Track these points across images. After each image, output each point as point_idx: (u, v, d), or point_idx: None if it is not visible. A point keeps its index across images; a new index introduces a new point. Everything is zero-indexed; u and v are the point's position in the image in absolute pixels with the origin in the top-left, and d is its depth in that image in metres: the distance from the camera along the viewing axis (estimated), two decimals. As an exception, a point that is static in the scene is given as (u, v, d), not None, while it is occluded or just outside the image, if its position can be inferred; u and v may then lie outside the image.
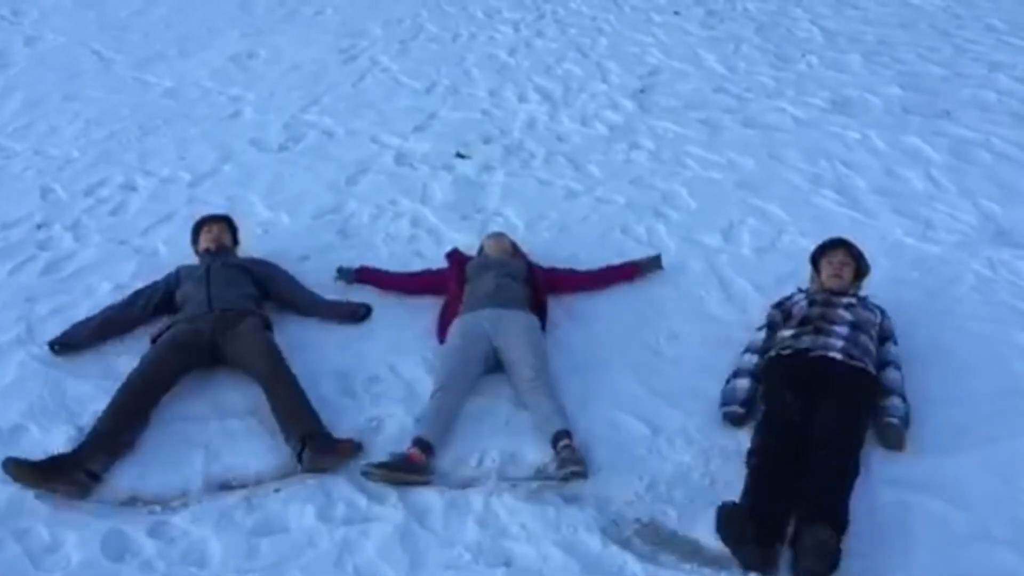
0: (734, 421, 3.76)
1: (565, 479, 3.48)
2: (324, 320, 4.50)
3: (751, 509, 3.20)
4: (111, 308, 4.42)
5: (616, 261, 4.83)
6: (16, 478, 3.41)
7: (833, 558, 3.03)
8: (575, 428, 3.77)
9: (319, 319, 4.51)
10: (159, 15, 9.27)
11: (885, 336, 4.02)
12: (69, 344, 4.23)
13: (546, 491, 3.48)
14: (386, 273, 4.79)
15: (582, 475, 3.49)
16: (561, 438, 3.61)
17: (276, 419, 3.75)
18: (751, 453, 3.49)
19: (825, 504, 3.20)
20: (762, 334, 4.11)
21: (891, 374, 3.85)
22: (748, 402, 3.80)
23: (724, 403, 3.83)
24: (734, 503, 3.20)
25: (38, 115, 6.96)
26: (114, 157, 6.28)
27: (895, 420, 3.65)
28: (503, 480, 3.56)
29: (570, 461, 3.50)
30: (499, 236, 4.84)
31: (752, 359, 3.98)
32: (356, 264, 4.86)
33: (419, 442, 3.61)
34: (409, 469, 3.52)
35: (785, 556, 3.15)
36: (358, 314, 4.49)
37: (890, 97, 6.91)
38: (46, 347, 4.23)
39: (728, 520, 3.13)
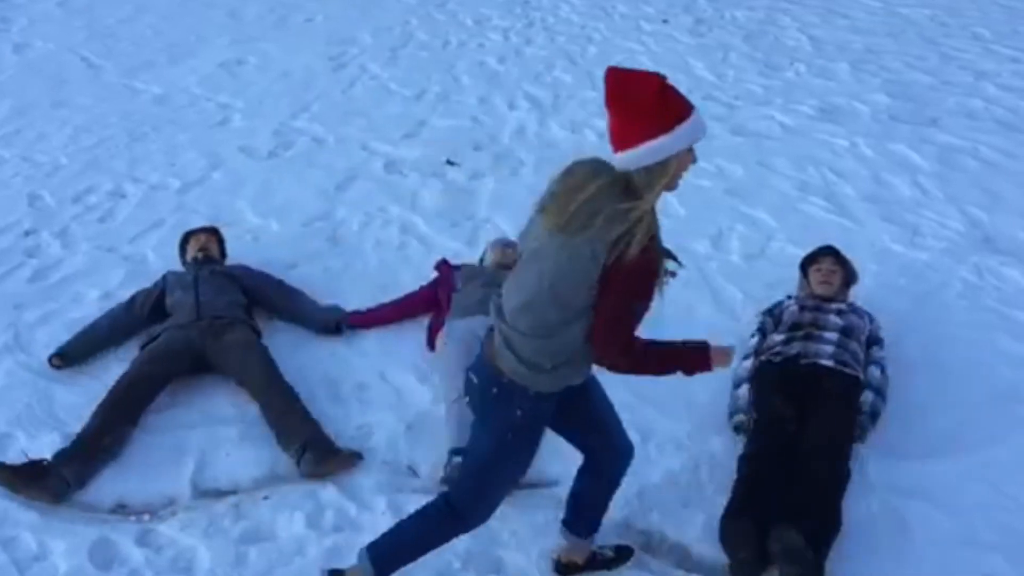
0: (744, 429, 3.73)
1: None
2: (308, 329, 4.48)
3: (738, 512, 3.21)
4: (103, 318, 4.37)
5: None
6: None
7: (803, 560, 3.00)
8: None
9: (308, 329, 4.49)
10: (148, 22, 9.26)
11: (872, 340, 4.05)
12: (65, 356, 4.18)
13: (536, 497, 3.47)
14: (380, 310, 4.56)
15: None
16: None
17: (273, 428, 3.73)
18: (743, 459, 3.50)
19: (806, 509, 3.20)
20: (755, 340, 4.12)
21: (871, 371, 3.87)
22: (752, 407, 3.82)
23: (731, 414, 3.84)
24: (737, 511, 3.20)
25: (26, 122, 6.94)
26: (103, 164, 6.26)
27: (860, 415, 3.69)
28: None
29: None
30: (507, 247, 4.73)
31: (748, 364, 4.00)
32: (345, 275, 4.84)
33: (459, 452, 3.50)
34: None
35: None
36: (338, 328, 4.43)
37: (878, 105, 6.95)
38: (34, 355, 4.22)
39: (732, 529, 3.14)
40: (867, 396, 3.76)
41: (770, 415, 3.64)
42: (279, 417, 3.74)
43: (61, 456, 3.52)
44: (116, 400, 3.76)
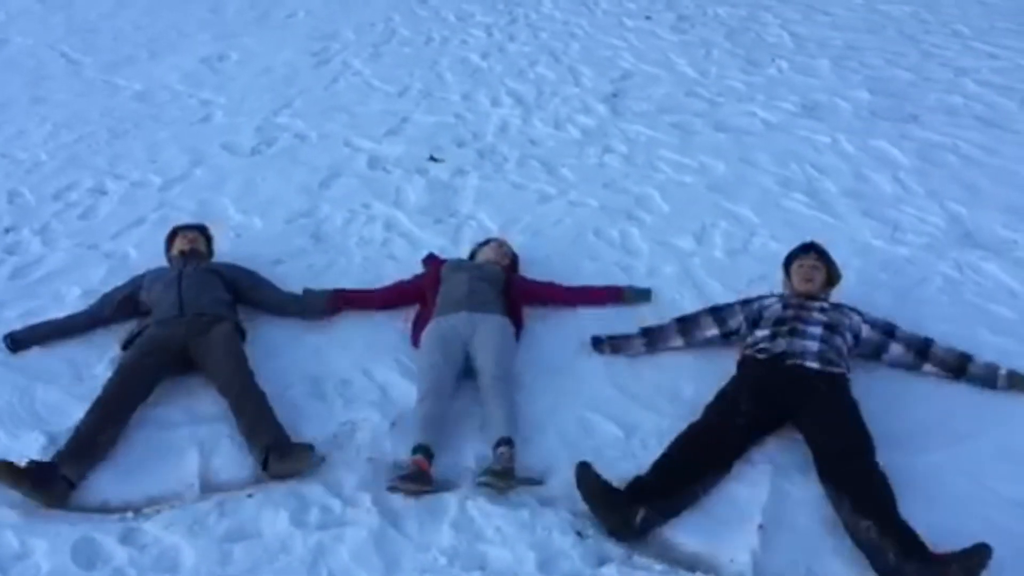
0: None
1: (478, 485, 3.46)
2: (297, 318, 4.48)
3: (652, 474, 3.40)
4: (77, 313, 4.38)
5: (597, 282, 4.76)
6: None
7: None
8: (548, 430, 3.80)
9: (293, 317, 4.49)
10: (128, 18, 9.20)
11: (880, 326, 4.10)
12: (17, 339, 4.20)
13: (521, 493, 3.48)
14: (366, 293, 4.61)
15: (496, 487, 3.44)
16: (500, 445, 3.59)
17: (241, 430, 3.72)
18: (682, 432, 3.60)
19: (880, 511, 3.20)
20: (727, 308, 4.26)
21: (895, 349, 4.06)
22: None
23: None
24: (585, 463, 3.38)
25: (5, 118, 6.88)
26: (83, 161, 6.22)
27: (1001, 371, 3.97)
28: (478, 485, 3.57)
29: (492, 472, 3.47)
30: (499, 244, 4.79)
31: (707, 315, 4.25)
32: (329, 271, 4.83)
33: (421, 449, 3.56)
34: (425, 480, 3.49)
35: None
36: (324, 310, 4.46)
37: (859, 101, 7.00)
38: (15, 353, 4.19)
39: (581, 480, 3.35)
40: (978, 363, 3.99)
41: (728, 404, 3.70)
42: (247, 422, 3.72)
43: (59, 457, 3.50)
44: (108, 400, 3.74)
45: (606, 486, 3.34)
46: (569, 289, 4.62)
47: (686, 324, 4.26)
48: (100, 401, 3.73)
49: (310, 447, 3.64)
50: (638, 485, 3.37)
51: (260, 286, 4.59)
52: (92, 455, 3.58)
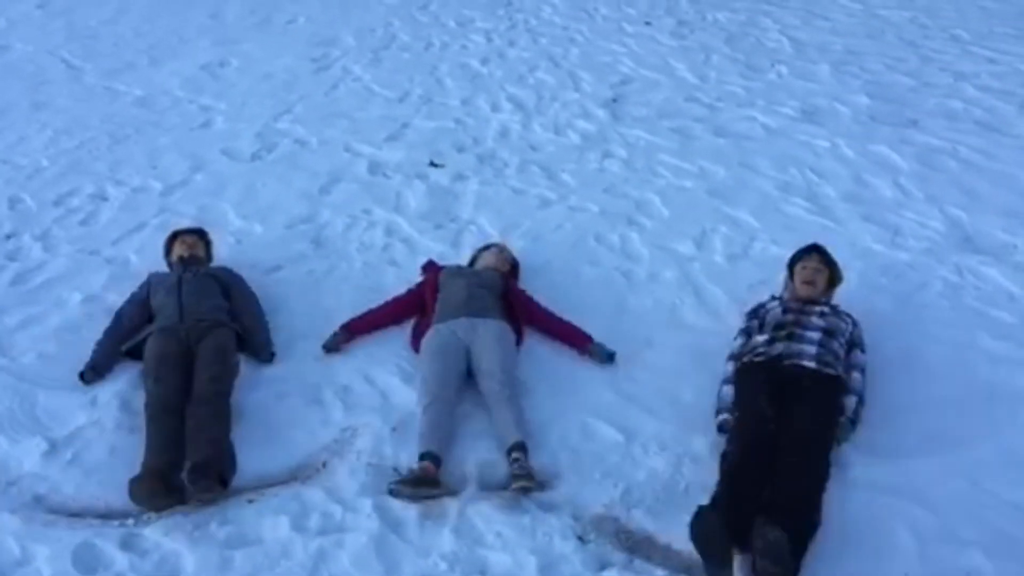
0: (729, 428, 3.73)
1: (517, 492, 3.46)
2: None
3: (721, 512, 3.22)
4: (112, 333, 4.29)
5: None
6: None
7: (784, 558, 3.01)
8: (549, 435, 3.80)
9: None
10: (129, 24, 9.21)
11: (854, 343, 4.08)
12: (97, 370, 4.13)
13: (521, 499, 3.48)
14: (371, 315, 4.51)
15: (531, 489, 3.46)
16: (514, 450, 3.60)
17: (187, 432, 3.68)
18: (724, 457, 3.52)
19: (787, 506, 3.22)
20: (739, 341, 4.14)
21: (853, 375, 3.92)
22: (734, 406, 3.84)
23: (716, 412, 3.85)
24: (709, 507, 3.19)
25: (6, 124, 6.89)
26: (84, 166, 6.23)
27: (842, 418, 3.73)
28: (480, 490, 3.57)
29: (519, 476, 3.48)
30: (499, 250, 4.79)
31: (732, 366, 4.02)
32: (330, 277, 4.83)
33: (429, 456, 3.57)
34: (431, 483, 3.49)
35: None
36: (261, 356, 4.29)
37: (858, 106, 7.00)
38: (15, 359, 4.20)
39: (702, 525, 3.12)
40: (850, 401, 3.80)
41: (751, 413, 3.66)
42: (196, 426, 3.68)
43: (199, 468, 3.47)
44: (164, 420, 3.73)
45: (724, 536, 3.13)
46: (548, 316, 4.45)
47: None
48: (155, 427, 3.70)
49: (224, 484, 3.52)
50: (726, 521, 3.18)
51: (241, 307, 4.47)
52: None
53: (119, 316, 4.36)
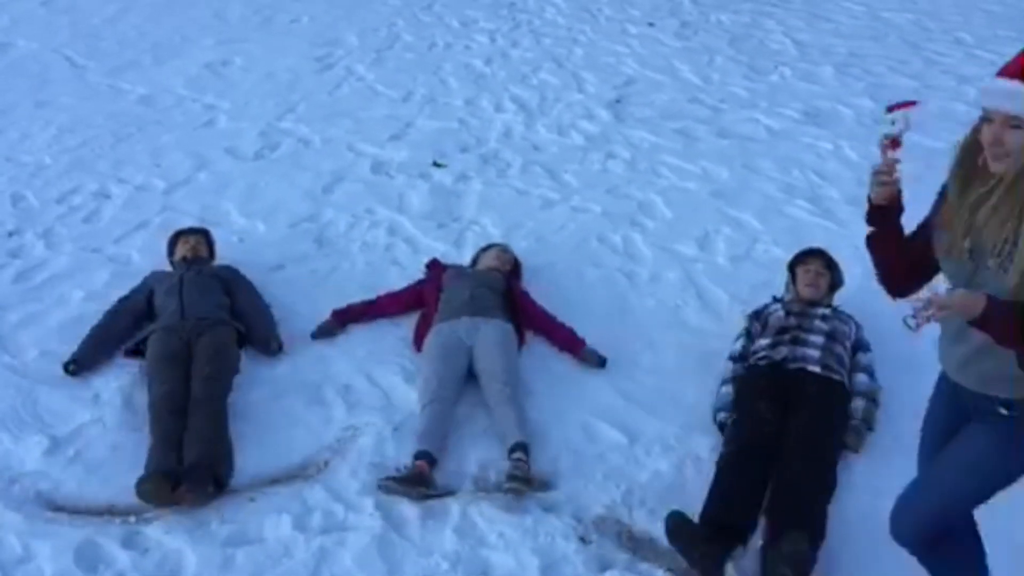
0: (726, 427, 3.75)
1: (506, 492, 3.45)
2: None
3: (711, 513, 3.26)
4: (103, 328, 4.29)
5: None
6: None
7: (806, 567, 3.05)
8: (551, 436, 3.80)
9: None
10: (132, 22, 9.21)
11: (858, 346, 4.08)
12: (80, 362, 4.12)
13: (523, 499, 3.48)
14: (364, 305, 4.56)
15: (524, 491, 3.44)
16: (515, 451, 3.59)
17: (185, 435, 3.67)
18: (720, 458, 3.53)
19: (802, 512, 3.23)
20: (740, 343, 4.14)
21: (859, 378, 3.91)
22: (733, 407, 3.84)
23: (715, 412, 3.86)
24: (678, 513, 3.21)
25: (9, 122, 6.89)
26: (87, 164, 6.22)
27: (854, 422, 3.73)
28: (480, 490, 3.57)
29: (514, 477, 3.46)
30: (501, 250, 4.80)
31: (732, 366, 4.02)
32: (332, 276, 4.84)
33: (424, 455, 3.57)
34: (424, 483, 3.49)
35: (749, 562, 3.17)
36: (269, 348, 4.30)
37: (861, 108, 7.00)
38: (18, 356, 4.19)
39: (676, 529, 3.17)
40: (858, 403, 3.79)
41: (749, 415, 3.66)
42: (192, 428, 3.69)
43: (196, 470, 3.48)
44: (166, 421, 3.72)
45: (700, 530, 3.21)
46: (546, 319, 4.45)
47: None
48: (159, 416, 3.72)
49: (219, 486, 3.51)
50: (713, 523, 3.24)
51: (242, 310, 4.44)
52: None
53: (110, 314, 4.35)
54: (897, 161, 2.33)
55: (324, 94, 7.46)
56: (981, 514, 3.34)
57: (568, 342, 4.34)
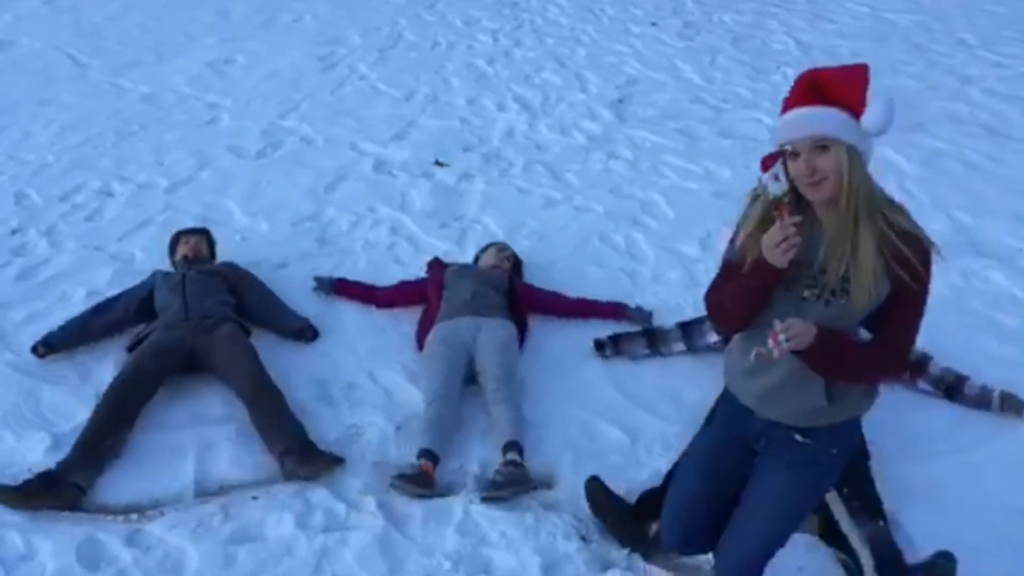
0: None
1: (483, 500, 3.45)
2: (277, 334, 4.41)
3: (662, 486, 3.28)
4: (91, 311, 4.34)
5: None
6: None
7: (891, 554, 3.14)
8: (552, 435, 3.80)
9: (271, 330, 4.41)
10: (135, 21, 9.22)
11: None
12: (50, 345, 4.16)
13: (524, 498, 3.48)
14: (365, 288, 4.68)
15: (499, 499, 3.43)
16: (507, 450, 3.60)
17: (258, 429, 3.72)
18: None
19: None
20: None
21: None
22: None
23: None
24: (594, 478, 3.36)
25: (12, 120, 6.89)
26: (90, 163, 6.23)
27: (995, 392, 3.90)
28: (482, 489, 3.56)
29: (496, 484, 3.46)
30: (500, 248, 4.81)
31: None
32: (335, 274, 4.85)
33: (427, 454, 3.57)
34: (426, 483, 3.49)
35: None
36: (304, 335, 4.38)
37: (864, 109, 6.99)
38: (21, 354, 4.18)
39: (591, 495, 3.32)
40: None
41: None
42: (265, 417, 3.73)
43: (66, 464, 3.48)
44: (113, 403, 3.73)
45: (617, 501, 3.32)
46: (573, 301, 4.60)
47: (689, 328, 4.26)
48: (104, 405, 3.71)
49: (333, 460, 3.60)
50: (652, 500, 3.26)
51: (255, 300, 4.49)
52: (100, 459, 3.56)
53: (99, 304, 4.36)
54: (796, 222, 2.18)
55: (327, 93, 7.47)
56: (984, 516, 3.36)
57: (610, 312, 4.53)
